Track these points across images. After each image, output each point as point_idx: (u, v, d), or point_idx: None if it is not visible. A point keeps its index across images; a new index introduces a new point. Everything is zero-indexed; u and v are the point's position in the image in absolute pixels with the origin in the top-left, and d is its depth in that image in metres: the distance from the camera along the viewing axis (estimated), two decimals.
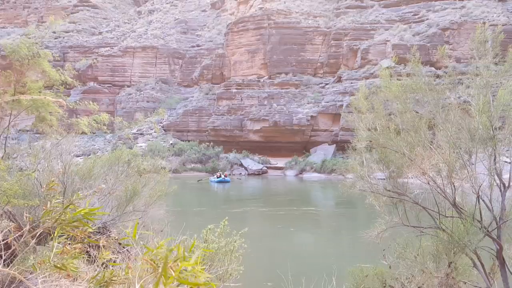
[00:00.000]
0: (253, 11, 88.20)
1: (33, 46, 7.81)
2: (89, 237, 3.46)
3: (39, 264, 3.14)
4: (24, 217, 4.15)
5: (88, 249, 4.64)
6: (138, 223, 3.59)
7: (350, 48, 72.28)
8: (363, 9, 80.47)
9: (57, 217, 3.28)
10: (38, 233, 3.60)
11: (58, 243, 3.16)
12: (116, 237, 5.94)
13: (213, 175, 57.08)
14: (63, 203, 3.47)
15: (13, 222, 4.81)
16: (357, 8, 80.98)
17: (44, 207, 3.39)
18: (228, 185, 51.76)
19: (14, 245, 3.77)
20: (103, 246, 4.04)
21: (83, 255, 3.66)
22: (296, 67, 76.44)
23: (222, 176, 54.41)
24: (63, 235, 3.25)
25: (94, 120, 7.12)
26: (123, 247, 5.87)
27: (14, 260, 3.74)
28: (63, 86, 7.78)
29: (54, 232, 3.16)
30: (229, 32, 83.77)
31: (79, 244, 3.35)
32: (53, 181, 4.10)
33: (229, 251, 6.65)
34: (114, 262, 4.47)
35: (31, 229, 3.74)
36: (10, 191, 5.18)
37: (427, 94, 7.99)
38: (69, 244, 3.31)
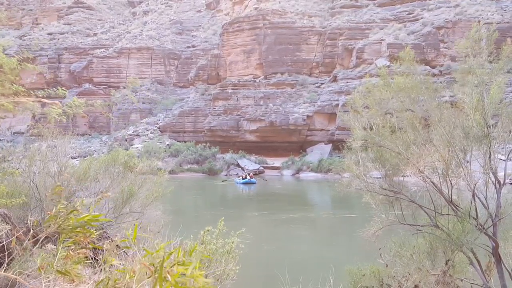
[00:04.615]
0: (248, 11, 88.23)
1: None
2: (93, 242, 3.46)
3: (42, 268, 3.13)
4: (28, 221, 4.14)
5: (88, 254, 4.63)
6: (137, 225, 3.59)
7: (345, 48, 72.39)
8: (358, 8, 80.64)
9: (60, 223, 3.27)
10: (42, 238, 3.60)
11: (63, 247, 3.16)
12: (114, 240, 5.91)
13: (238, 176, 55.70)
14: (66, 209, 3.46)
15: (8, 224, 4.79)
16: (352, 8, 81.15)
17: (48, 212, 3.38)
18: (253, 187, 50.42)
19: (16, 249, 3.76)
20: (107, 250, 4.03)
21: (86, 261, 3.65)
22: (292, 67, 76.53)
23: (248, 177, 53.08)
24: (67, 240, 3.25)
25: (69, 106, 6.84)
26: (122, 250, 5.85)
27: (10, 263, 3.72)
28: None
29: (56, 236, 3.16)
30: (225, 32, 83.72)
31: (83, 249, 3.35)
32: (58, 186, 4.08)
33: (226, 251, 6.65)
34: (115, 266, 4.46)
35: (34, 233, 3.73)
36: None
37: (423, 93, 8.03)
38: (72, 249, 3.31)
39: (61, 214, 3.36)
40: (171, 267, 1.98)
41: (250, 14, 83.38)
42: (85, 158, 12.43)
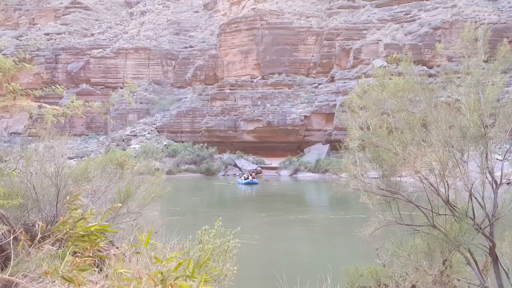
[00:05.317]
0: (245, 11, 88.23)
1: None
2: (98, 251, 3.46)
3: (48, 274, 3.12)
4: (36, 225, 4.12)
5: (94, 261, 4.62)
6: (151, 230, 3.58)
7: (342, 48, 72.49)
8: (355, 9, 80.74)
9: (67, 230, 3.27)
10: (50, 243, 3.59)
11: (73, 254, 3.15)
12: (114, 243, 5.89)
13: (240, 177, 55.13)
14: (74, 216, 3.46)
15: (6, 225, 4.77)
16: (349, 8, 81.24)
17: (61, 217, 3.38)
18: (256, 187, 49.74)
19: (22, 252, 3.75)
20: (114, 255, 4.02)
21: (92, 268, 3.64)
22: (289, 67, 76.58)
23: (250, 178, 52.49)
24: (74, 246, 3.24)
25: (67, 107, 6.77)
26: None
27: (8, 264, 3.71)
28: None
29: (62, 242, 3.16)
30: (222, 33, 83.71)
31: (89, 257, 3.34)
32: (77, 196, 4.07)
33: (223, 251, 6.64)
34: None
35: (40, 239, 3.73)
36: None
37: (420, 93, 8.05)
38: (78, 256, 3.31)
39: (70, 221, 3.37)
40: (174, 279, 1.97)
41: (248, 14, 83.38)
42: (82, 159, 12.40)
